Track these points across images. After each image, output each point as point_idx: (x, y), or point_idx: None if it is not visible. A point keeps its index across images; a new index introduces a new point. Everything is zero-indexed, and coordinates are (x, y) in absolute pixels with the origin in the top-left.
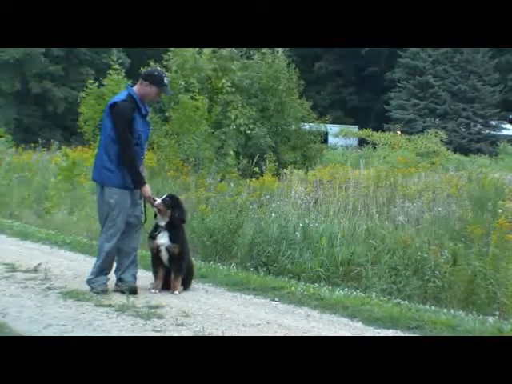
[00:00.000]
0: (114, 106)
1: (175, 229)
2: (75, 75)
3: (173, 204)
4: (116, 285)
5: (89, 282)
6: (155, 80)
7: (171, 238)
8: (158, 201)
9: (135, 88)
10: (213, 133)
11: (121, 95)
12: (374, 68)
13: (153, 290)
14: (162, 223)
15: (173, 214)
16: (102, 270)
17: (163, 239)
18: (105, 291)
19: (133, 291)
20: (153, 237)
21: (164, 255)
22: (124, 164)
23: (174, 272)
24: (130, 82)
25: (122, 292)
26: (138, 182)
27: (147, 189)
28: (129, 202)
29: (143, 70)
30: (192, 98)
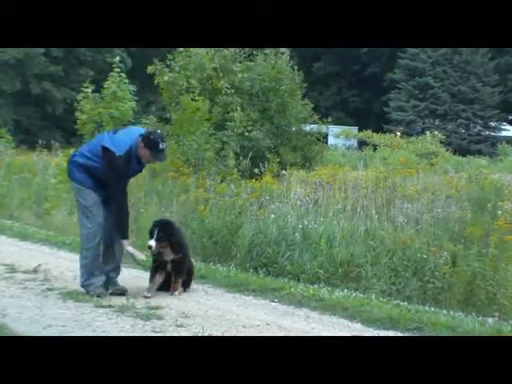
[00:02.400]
0: (109, 153)
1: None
2: (75, 76)
3: (167, 234)
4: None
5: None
6: (149, 144)
7: (174, 251)
8: (152, 243)
9: (138, 143)
10: (214, 134)
11: (123, 145)
12: (373, 69)
13: (146, 293)
14: (166, 258)
15: (172, 243)
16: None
17: (167, 256)
18: (101, 294)
19: (122, 293)
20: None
21: (169, 266)
22: (118, 212)
23: (175, 274)
24: (133, 87)
25: (117, 294)
26: (123, 235)
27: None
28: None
29: (147, 131)
30: (193, 99)
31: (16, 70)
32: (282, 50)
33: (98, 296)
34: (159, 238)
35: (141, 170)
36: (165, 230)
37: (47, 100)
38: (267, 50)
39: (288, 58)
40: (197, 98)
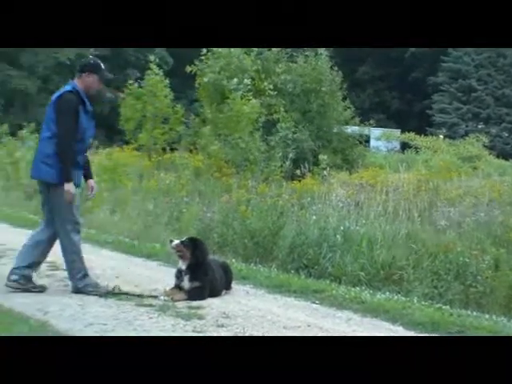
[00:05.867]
0: (60, 97)
1: (197, 268)
2: (121, 76)
3: (193, 246)
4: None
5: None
6: (95, 68)
7: (191, 279)
8: (176, 242)
9: (76, 83)
10: (262, 136)
11: (65, 88)
12: (416, 72)
13: (161, 297)
14: (183, 267)
15: (192, 256)
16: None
17: (184, 283)
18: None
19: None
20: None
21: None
22: (59, 155)
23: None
24: (168, 81)
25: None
26: (65, 177)
27: (71, 186)
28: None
29: (80, 61)
30: (247, 98)
31: (69, 70)
32: (321, 50)
33: (99, 295)
34: (184, 241)
35: (93, 126)
36: (193, 241)
37: (93, 99)
38: (307, 51)
39: (327, 58)
40: (247, 96)
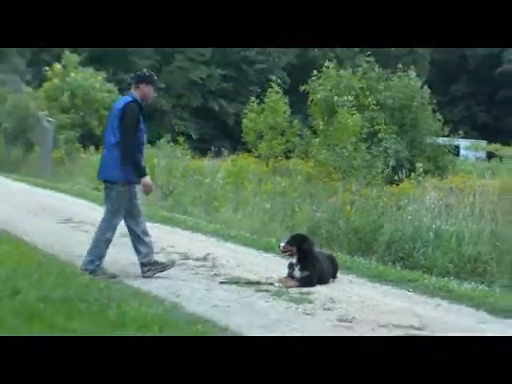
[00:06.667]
0: (125, 107)
1: (305, 260)
2: (245, 92)
3: (298, 242)
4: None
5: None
6: (151, 79)
7: (301, 269)
8: (282, 244)
9: (134, 93)
10: (368, 147)
11: (127, 98)
12: (507, 89)
13: (276, 284)
14: (294, 260)
15: (299, 251)
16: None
17: (295, 272)
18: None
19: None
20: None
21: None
22: (126, 160)
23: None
24: (286, 99)
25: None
26: (140, 174)
27: (147, 179)
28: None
29: (136, 74)
30: (351, 113)
31: (198, 88)
32: (411, 71)
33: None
34: (288, 241)
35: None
36: (296, 238)
37: (221, 113)
38: (399, 72)
39: (417, 78)
40: (353, 111)
